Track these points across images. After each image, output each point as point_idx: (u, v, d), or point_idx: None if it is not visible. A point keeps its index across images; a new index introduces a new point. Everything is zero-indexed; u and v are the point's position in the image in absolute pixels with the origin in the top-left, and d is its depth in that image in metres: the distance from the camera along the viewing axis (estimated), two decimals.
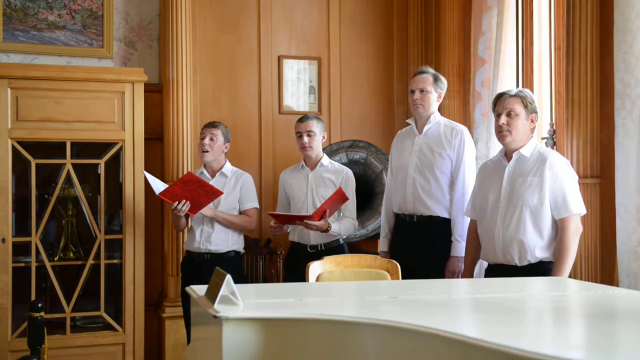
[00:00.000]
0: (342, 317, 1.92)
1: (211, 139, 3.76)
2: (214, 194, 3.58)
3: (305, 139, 3.72)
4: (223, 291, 2.02)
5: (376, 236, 4.30)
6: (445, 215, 3.56)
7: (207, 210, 3.66)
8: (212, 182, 3.72)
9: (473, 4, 4.41)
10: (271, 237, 4.46)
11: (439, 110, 3.69)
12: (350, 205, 3.74)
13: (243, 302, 2.04)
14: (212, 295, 2.07)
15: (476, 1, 4.36)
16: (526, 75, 3.95)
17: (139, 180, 4.03)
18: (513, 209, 3.03)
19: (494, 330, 1.80)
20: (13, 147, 3.88)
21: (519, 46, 4.01)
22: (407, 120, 3.84)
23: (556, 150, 3.57)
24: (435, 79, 3.61)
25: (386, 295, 2.38)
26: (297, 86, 4.80)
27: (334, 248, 3.67)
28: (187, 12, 4.30)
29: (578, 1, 3.32)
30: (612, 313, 2.09)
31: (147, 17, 4.56)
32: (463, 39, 4.54)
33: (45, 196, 4.05)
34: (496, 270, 3.10)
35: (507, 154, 3.15)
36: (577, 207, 2.97)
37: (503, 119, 3.07)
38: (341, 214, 3.76)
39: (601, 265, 3.29)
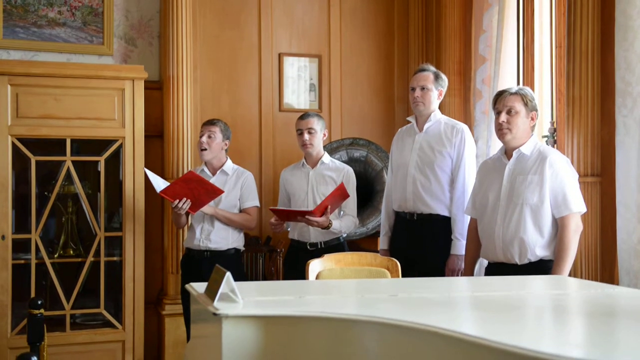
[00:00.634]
0: (342, 315, 1.92)
1: (209, 137, 3.76)
2: (215, 192, 3.58)
3: (306, 136, 3.72)
4: (223, 289, 2.02)
5: (376, 234, 4.30)
6: (446, 214, 3.55)
7: (207, 208, 3.66)
8: (212, 180, 3.71)
9: (474, 1, 4.40)
10: (271, 235, 4.46)
11: (439, 108, 3.68)
12: (351, 203, 3.74)
13: (243, 299, 2.04)
14: (212, 292, 2.07)
15: None
16: (527, 73, 3.95)
17: (139, 178, 4.03)
18: (513, 207, 3.03)
19: (494, 329, 1.80)
20: (13, 144, 3.88)
21: (519, 44, 4.00)
22: (408, 118, 3.83)
23: (557, 148, 3.57)
24: (436, 77, 3.61)
25: (386, 293, 2.37)
26: (298, 83, 4.79)
27: (334, 246, 3.67)
28: (188, 9, 4.30)
29: None
30: (612, 311, 2.09)
31: (147, 14, 4.56)
32: (464, 36, 4.53)
33: (45, 193, 4.05)
34: (496, 268, 3.09)
35: (507, 152, 3.15)
36: (577, 205, 2.97)
37: (503, 117, 3.06)
38: (342, 211, 3.76)
39: (601, 263, 3.28)
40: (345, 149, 4.57)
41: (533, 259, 2.99)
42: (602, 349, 1.61)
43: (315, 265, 3.07)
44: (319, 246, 3.67)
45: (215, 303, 2.00)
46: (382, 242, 3.79)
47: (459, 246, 3.48)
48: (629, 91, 3.10)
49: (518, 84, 3.95)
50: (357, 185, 3.82)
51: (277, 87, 4.74)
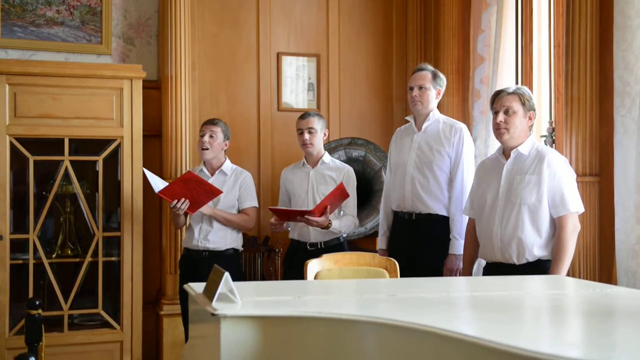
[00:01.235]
0: (340, 315, 1.92)
1: (211, 137, 3.75)
2: (213, 192, 3.57)
3: (307, 136, 3.72)
4: (221, 289, 2.02)
5: (375, 234, 4.30)
6: (444, 213, 3.55)
7: (206, 209, 3.65)
8: (211, 180, 3.71)
9: (472, 1, 4.40)
10: (269, 235, 4.46)
11: (438, 107, 3.68)
12: (351, 203, 3.73)
13: (241, 300, 2.04)
14: (210, 293, 2.06)
15: None
16: (525, 72, 3.95)
17: (137, 177, 4.02)
18: (511, 207, 3.03)
19: (492, 329, 1.80)
20: (11, 144, 3.87)
21: (518, 44, 4.00)
22: (406, 118, 3.83)
23: (555, 148, 3.57)
24: (435, 76, 3.61)
25: (384, 294, 2.37)
26: (296, 83, 4.79)
27: (333, 246, 3.66)
28: (186, 8, 4.29)
29: None
30: (611, 311, 2.09)
31: (145, 13, 4.55)
32: (462, 36, 4.53)
33: (43, 193, 4.04)
34: (494, 268, 3.09)
35: (505, 152, 3.15)
36: (575, 205, 2.97)
37: (501, 117, 3.06)
38: (341, 211, 3.75)
39: (600, 263, 3.29)
40: (343, 148, 4.57)
41: (531, 259, 2.99)
42: (600, 349, 1.61)
43: (313, 265, 3.07)
44: (319, 246, 3.67)
45: (214, 303, 1.99)
46: (381, 242, 3.79)
47: (458, 246, 3.48)
48: (628, 91, 3.10)
49: (516, 83, 3.95)
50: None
51: (275, 87, 4.74)
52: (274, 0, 4.75)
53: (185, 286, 2.40)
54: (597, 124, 3.31)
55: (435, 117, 3.63)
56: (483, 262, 3.27)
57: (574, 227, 2.96)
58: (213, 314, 1.91)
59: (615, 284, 3.11)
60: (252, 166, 4.53)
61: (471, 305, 2.20)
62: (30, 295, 3.88)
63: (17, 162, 3.95)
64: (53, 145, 4.01)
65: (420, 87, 3.58)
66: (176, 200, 3.55)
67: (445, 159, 3.55)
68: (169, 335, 4.20)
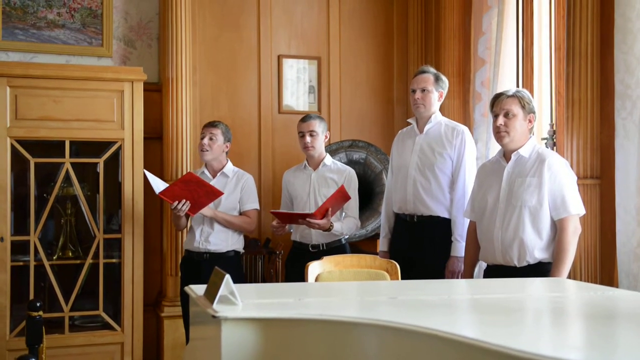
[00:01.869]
0: (341, 318, 1.92)
1: (210, 139, 3.76)
2: (214, 194, 3.58)
3: (308, 138, 3.72)
4: (222, 291, 2.01)
5: (376, 236, 4.30)
6: (446, 215, 3.55)
7: (207, 210, 3.66)
8: (213, 182, 3.71)
9: (473, 3, 4.40)
10: (270, 237, 4.46)
11: (439, 110, 3.68)
12: (353, 205, 3.73)
13: (242, 302, 2.04)
14: (211, 295, 2.06)
15: (476, 1, 4.35)
16: (526, 75, 3.95)
17: (138, 180, 4.02)
18: (512, 210, 3.03)
19: (493, 331, 1.79)
20: (12, 146, 3.87)
21: (519, 46, 4.00)
22: (408, 120, 3.83)
23: (556, 150, 3.57)
24: (437, 79, 3.61)
25: (385, 296, 2.37)
26: (297, 86, 4.79)
27: (335, 248, 3.66)
28: (187, 11, 4.29)
29: (579, 1, 3.31)
30: (612, 314, 2.08)
31: (146, 15, 4.56)
32: (463, 38, 4.53)
33: (44, 195, 4.04)
34: (495, 271, 3.09)
35: (505, 155, 3.15)
36: (575, 207, 2.97)
37: (500, 120, 3.06)
38: (343, 213, 3.75)
39: (601, 266, 3.28)
40: (344, 151, 4.57)
41: (532, 262, 2.99)
42: (601, 352, 1.60)
43: (314, 268, 3.07)
44: (321, 248, 3.67)
45: (215, 305, 1.99)
46: (382, 244, 3.79)
47: (459, 248, 3.48)
48: (629, 94, 3.10)
49: (517, 86, 3.95)
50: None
51: (276, 89, 4.74)
52: (275, 3, 4.75)
53: (186, 288, 2.40)
54: (598, 127, 3.31)
55: (437, 120, 3.63)
56: (484, 265, 3.27)
57: (574, 230, 2.96)
58: (214, 316, 1.91)
59: (617, 286, 3.11)
60: (253, 168, 4.53)
61: (472, 307, 2.19)
62: (31, 296, 3.88)
63: (18, 164, 3.95)
64: (54, 147, 4.01)
65: (423, 90, 3.58)
66: (177, 202, 3.56)
67: (447, 161, 3.55)
68: (170, 337, 4.20)
